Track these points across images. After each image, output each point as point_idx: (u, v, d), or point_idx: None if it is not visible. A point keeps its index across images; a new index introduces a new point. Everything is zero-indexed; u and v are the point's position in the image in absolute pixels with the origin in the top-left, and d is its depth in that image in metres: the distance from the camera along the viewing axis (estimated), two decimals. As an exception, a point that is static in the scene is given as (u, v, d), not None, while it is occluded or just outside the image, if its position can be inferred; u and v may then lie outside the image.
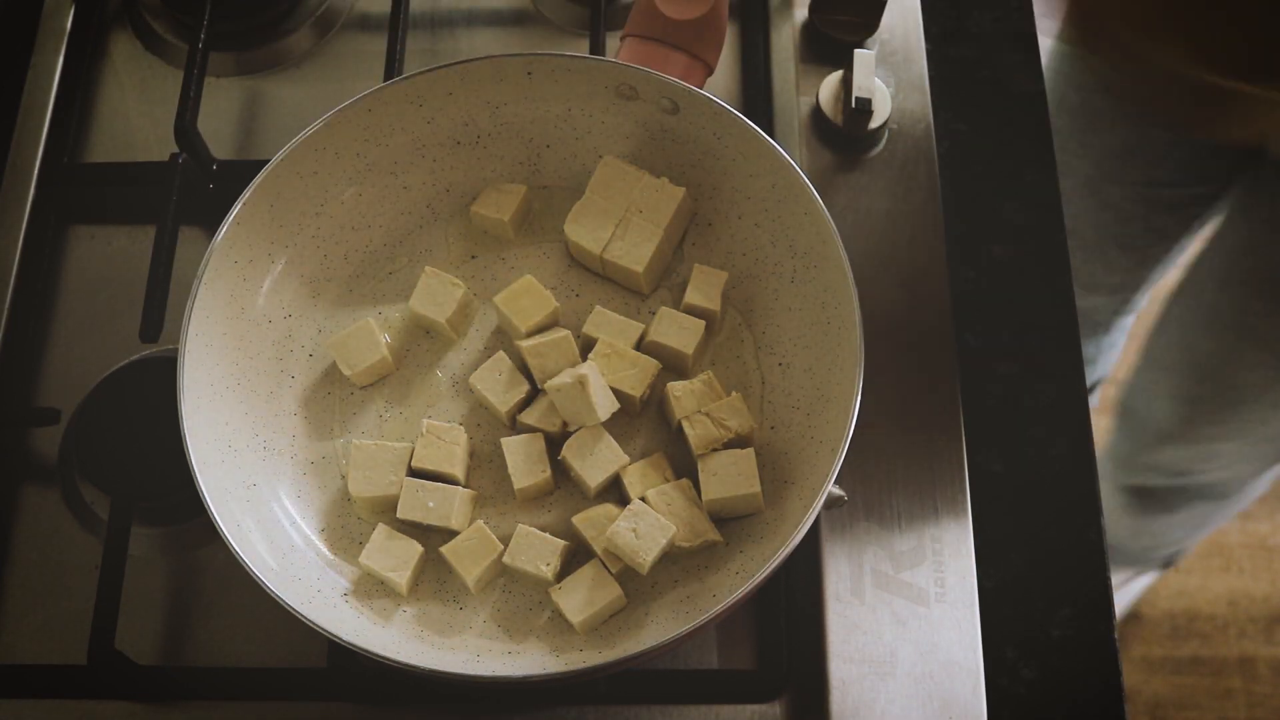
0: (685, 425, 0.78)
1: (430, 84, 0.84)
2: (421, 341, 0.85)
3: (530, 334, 0.82)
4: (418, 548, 0.77)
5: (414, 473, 0.79)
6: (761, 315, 0.84)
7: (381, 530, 0.77)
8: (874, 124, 0.92)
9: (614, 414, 0.79)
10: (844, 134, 0.93)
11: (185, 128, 0.91)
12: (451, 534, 0.78)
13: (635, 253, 0.83)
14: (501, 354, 0.81)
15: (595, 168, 0.86)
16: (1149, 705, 1.70)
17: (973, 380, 0.87)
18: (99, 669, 0.77)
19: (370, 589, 0.77)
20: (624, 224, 0.83)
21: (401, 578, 0.76)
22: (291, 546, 0.77)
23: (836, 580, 0.80)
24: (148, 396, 0.84)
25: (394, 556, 0.76)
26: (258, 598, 0.71)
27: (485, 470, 0.81)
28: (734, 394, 0.79)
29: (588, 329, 0.82)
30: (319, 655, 0.79)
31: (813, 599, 0.80)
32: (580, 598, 0.75)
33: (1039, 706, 0.79)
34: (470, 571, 0.76)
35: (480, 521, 0.77)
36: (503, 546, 0.76)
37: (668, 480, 0.78)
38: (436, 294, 0.83)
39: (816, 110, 0.94)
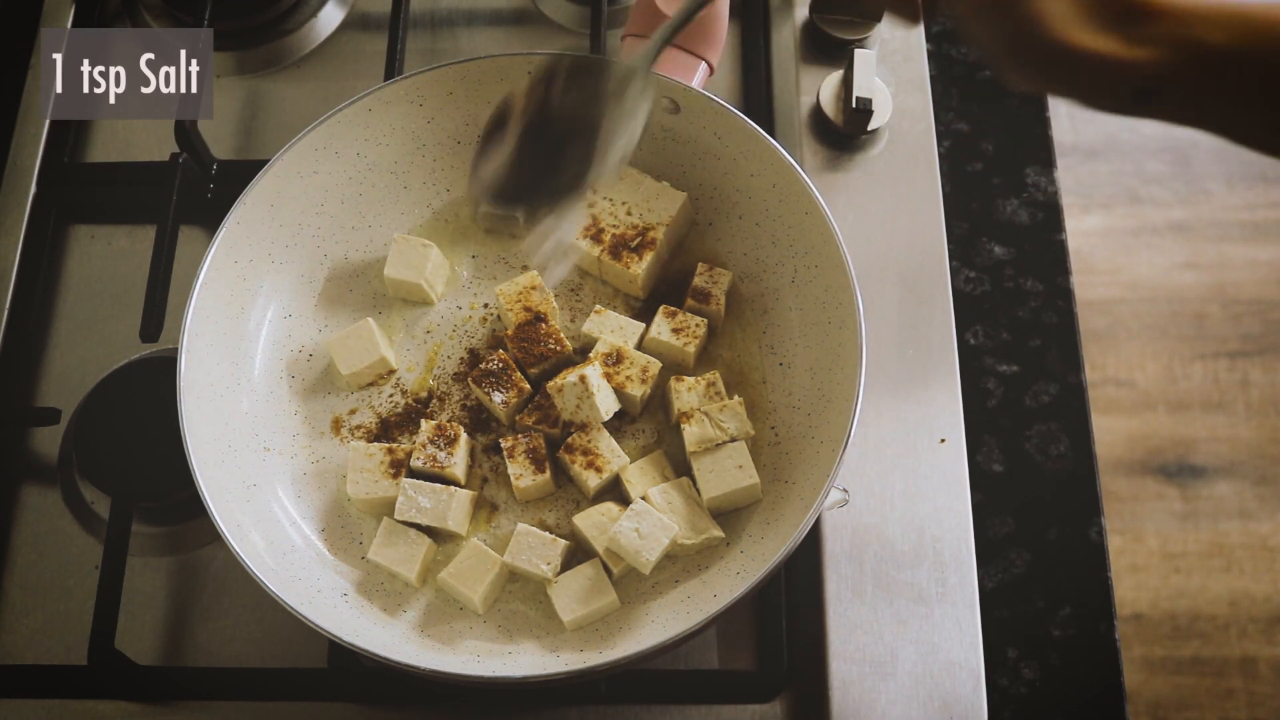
0: (683, 422, 0.78)
1: (430, 84, 0.84)
2: (420, 340, 0.85)
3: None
4: (425, 539, 0.76)
5: (413, 473, 0.79)
6: (763, 315, 0.84)
7: (386, 525, 0.77)
8: (874, 124, 0.92)
9: (614, 414, 0.79)
10: (844, 134, 0.93)
11: (185, 128, 0.91)
12: (451, 534, 0.78)
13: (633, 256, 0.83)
14: (501, 354, 0.81)
15: (595, 168, 0.86)
16: (1149, 705, 1.70)
17: (973, 380, 0.87)
18: (99, 669, 0.77)
19: (371, 588, 0.77)
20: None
21: (411, 571, 0.75)
22: (291, 546, 0.77)
23: (837, 580, 0.80)
24: (148, 396, 0.84)
25: (402, 550, 0.76)
26: (258, 598, 0.71)
27: (485, 470, 0.81)
28: (736, 398, 0.79)
29: (588, 329, 0.82)
30: (319, 655, 0.79)
31: (813, 599, 0.80)
32: (573, 597, 0.75)
33: (1039, 706, 0.79)
34: (474, 590, 0.75)
35: (475, 539, 0.77)
36: (501, 560, 0.76)
37: (667, 479, 0.78)
38: (409, 257, 0.83)
39: (817, 110, 0.94)
